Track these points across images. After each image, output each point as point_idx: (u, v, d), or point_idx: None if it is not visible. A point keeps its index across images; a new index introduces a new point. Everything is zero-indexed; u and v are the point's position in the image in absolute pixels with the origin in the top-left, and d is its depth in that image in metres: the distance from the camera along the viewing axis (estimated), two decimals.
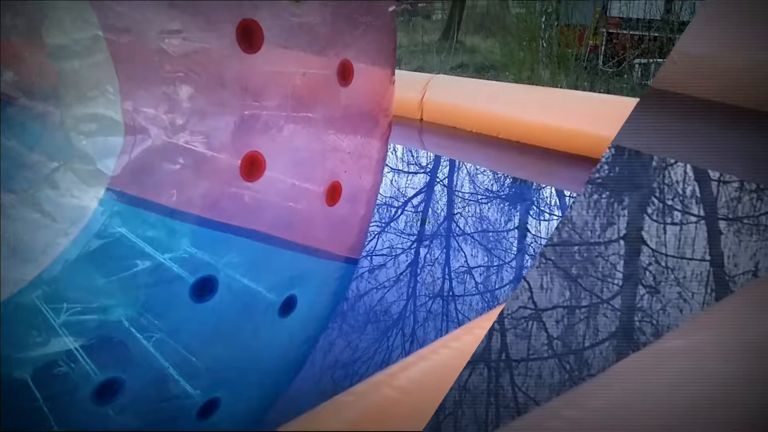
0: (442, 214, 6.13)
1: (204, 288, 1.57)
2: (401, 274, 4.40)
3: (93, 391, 1.49)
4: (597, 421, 1.15)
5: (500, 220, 5.91)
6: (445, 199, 6.65)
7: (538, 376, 2.13)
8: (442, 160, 7.57)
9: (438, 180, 7.22)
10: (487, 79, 8.17)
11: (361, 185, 1.90)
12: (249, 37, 1.46)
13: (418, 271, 4.53)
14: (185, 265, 1.52)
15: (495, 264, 4.74)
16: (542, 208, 6.12)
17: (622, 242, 2.89)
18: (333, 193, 1.80)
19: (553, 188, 6.28)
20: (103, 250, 1.39)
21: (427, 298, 4.06)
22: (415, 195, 6.36)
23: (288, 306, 1.81)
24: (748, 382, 1.27)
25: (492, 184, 6.99)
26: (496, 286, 4.32)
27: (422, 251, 5.03)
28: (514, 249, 5.10)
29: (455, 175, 7.33)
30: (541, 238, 5.13)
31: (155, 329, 1.56)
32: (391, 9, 1.80)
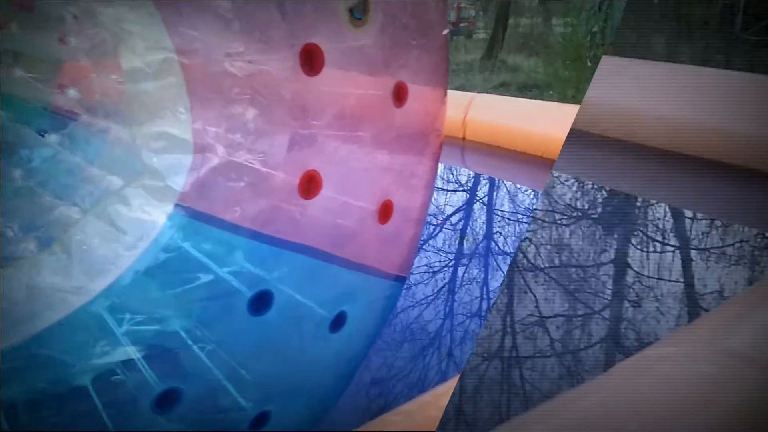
0: (481, 232, 6.08)
1: (261, 302, 1.61)
2: (438, 291, 4.38)
3: (153, 400, 1.54)
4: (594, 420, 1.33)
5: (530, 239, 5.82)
6: (484, 218, 6.60)
7: (541, 370, 2.60)
8: (481, 178, 7.54)
9: (477, 198, 7.19)
10: (530, 98, 8.12)
11: (412, 204, 1.92)
12: (311, 61, 1.51)
13: (456, 289, 4.50)
14: (243, 280, 1.57)
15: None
16: (550, 228, 6.02)
17: (610, 265, 3.50)
18: (385, 212, 1.82)
19: (565, 205, 6.18)
20: (168, 264, 1.45)
21: (465, 317, 4.03)
22: (454, 213, 6.35)
23: (338, 322, 1.83)
24: (734, 386, 1.46)
25: (533, 204, 6.91)
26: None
27: (460, 270, 5.00)
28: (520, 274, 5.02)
29: (495, 193, 7.29)
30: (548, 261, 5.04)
31: (211, 341, 1.61)
32: (444, 32, 1.83)
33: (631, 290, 3.41)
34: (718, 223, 4.25)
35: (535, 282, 3.74)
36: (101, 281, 1.43)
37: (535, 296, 3.47)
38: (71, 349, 1.53)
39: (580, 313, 3.18)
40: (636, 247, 4.04)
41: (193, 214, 1.43)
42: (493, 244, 5.67)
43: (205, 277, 1.51)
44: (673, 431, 1.33)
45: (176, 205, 1.41)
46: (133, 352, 1.53)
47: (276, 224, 1.59)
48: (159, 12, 1.31)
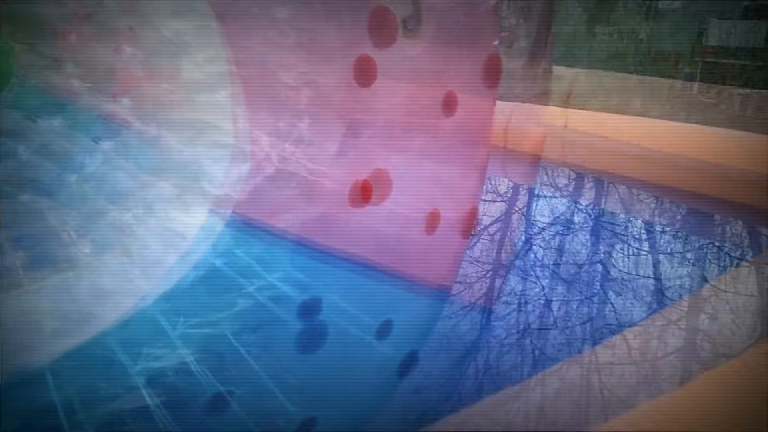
0: (519, 243, 6.00)
1: (310, 308, 1.63)
2: (475, 302, 4.33)
3: (205, 402, 1.57)
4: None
5: (582, 253, 5.72)
6: (522, 228, 6.51)
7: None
8: (520, 188, 7.45)
9: (516, 209, 7.10)
10: (573, 107, 7.99)
11: (459, 214, 1.92)
12: (364, 72, 1.53)
13: (493, 300, 4.45)
14: (293, 286, 1.59)
15: (576, 298, 4.57)
16: (629, 242, 5.88)
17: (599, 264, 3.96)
18: (432, 222, 1.83)
19: (642, 221, 6.04)
20: (223, 269, 1.48)
21: (502, 330, 3.97)
22: (492, 223, 6.28)
23: (384, 330, 1.84)
24: None
25: (574, 215, 6.79)
26: (577, 322, 4.18)
27: (498, 281, 4.94)
28: (597, 283, 4.91)
29: (534, 204, 7.19)
30: (626, 273, 4.93)
31: (258, 345, 1.64)
32: (496, 42, 1.83)
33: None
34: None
35: None
36: (159, 285, 1.47)
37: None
38: (127, 351, 1.58)
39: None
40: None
41: (248, 221, 1.46)
42: (532, 255, 5.58)
43: (256, 283, 1.55)
44: None
45: (232, 212, 1.45)
46: (185, 354, 1.57)
47: (325, 232, 1.61)
48: (219, 25, 1.35)
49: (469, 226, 2.01)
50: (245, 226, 1.45)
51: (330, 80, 1.48)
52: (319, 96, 1.48)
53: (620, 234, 6.01)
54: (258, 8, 1.35)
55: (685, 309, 3.73)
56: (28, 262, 2.42)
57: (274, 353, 1.64)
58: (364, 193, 1.64)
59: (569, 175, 7.15)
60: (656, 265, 4.98)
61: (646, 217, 5.89)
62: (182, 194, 1.54)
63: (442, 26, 1.62)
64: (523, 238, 6.03)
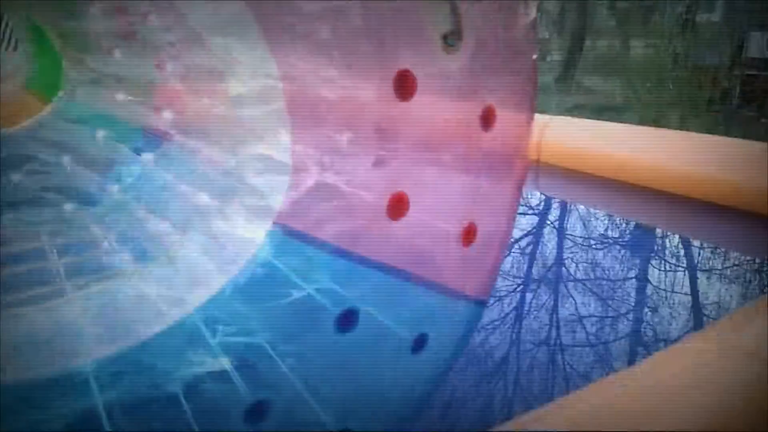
0: (551, 257, 5.92)
1: (347, 319, 1.64)
2: (505, 317, 4.28)
3: (243, 411, 1.59)
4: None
5: (616, 268, 5.60)
6: (554, 242, 6.42)
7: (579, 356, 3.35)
8: (553, 201, 7.37)
9: (548, 222, 7.01)
10: (607, 120, 7.89)
11: (495, 228, 1.92)
12: (403, 86, 1.55)
13: (524, 315, 4.39)
14: (331, 297, 1.61)
15: (609, 315, 4.48)
16: (665, 258, 5.74)
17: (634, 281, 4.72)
18: (468, 235, 1.83)
19: (679, 237, 5.90)
20: (263, 279, 1.51)
21: (533, 345, 3.91)
22: (524, 236, 6.21)
23: (419, 343, 1.84)
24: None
25: (608, 229, 6.67)
26: (611, 339, 4.09)
27: (528, 295, 4.87)
28: (632, 300, 4.81)
29: (567, 218, 7.09)
30: (662, 290, 4.81)
31: (293, 355, 1.65)
32: (534, 57, 1.84)
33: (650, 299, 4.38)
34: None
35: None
36: (201, 294, 1.51)
37: (575, 300, 4.30)
38: (167, 357, 1.61)
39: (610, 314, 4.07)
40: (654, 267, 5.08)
41: (289, 232, 1.49)
42: (564, 270, 5.50)
43: (295, 294, 1.57)
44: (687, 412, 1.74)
45: (274, 223, 1.48)
46: (224, 362, 1.59)
47: (363, 244, 1.63)
48: (266, 41, 1.39)
49: (505, 240, 2.00)
50: (286, 237, 1.48)
51: (370, 95, 1.50)
52: (359, 110, 1.51)
53: (655, 250, 5.88)
54: (303, 25, 1.38)
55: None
56: (72, 270, 2.50)
57: (311, 363, 1.65)
58: (401, 206, 1.65)
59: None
60: (693, 281, 4.88)
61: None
62: (224, 206, 1.57)
63: (482, 41, 1.63)
64: (555, 252, 5.95)
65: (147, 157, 3.37)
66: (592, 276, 5.28)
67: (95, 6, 3.17)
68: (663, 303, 4.52)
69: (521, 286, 5.05)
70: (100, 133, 3.35)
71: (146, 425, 1.61)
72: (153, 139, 3.46)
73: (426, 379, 1.98)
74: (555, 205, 7.23)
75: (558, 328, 4.18)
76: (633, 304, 4.67)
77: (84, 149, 3.33)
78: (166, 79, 3.31)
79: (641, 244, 6.25)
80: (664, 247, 6.06)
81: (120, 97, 3.48)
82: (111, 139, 3.40)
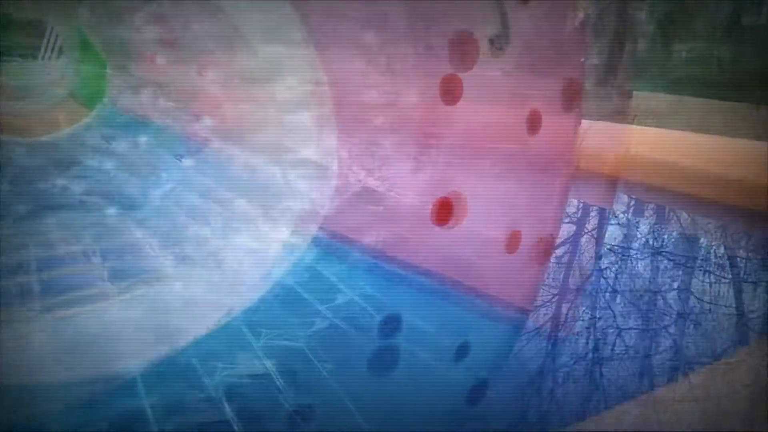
0: (589, 267, 5.77)
1: (390, 326, 1.62)
2: (540, 328, 4.18)
3: (287, 414, 1.58)
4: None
5: (657, 279, 5.44)
6: (592, 252, 6.27)
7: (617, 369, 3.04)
8: (591, 209, 7.21)
9: (585, 230, 6.86)
10: (649, 125, 7.68)
11: (540, 235, 1.87)
12: (450, 91, 1.53)
13: (560, 327, 4.28)
14: (374, 303, 1.59)
15: (650, 327, 4.34)
16: (710, 269, 5.55)
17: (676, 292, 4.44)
18: (513, 242, 1.78)
19: (723, 247, 5.71)
20: (308, 283, 1.50)
21: (568, 358, 3.80)
22: (560, 245, 6.07)
23: (462, 351, 1.80)
24: None
25: (649, 239, 6.49)
26: (651, 352, 3.95)
27: (564, 306, 4.75)
28: (674, 312, 4.65)
29: (605, 226, 6.93)
30: (706, 302, 4.65)
31: (339, 361, 1.64)
32: (582, 59, 1.79)
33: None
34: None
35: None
36: (246, 298, 1.51)
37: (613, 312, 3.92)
38: (211, 360, 1.61)
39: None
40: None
41: (334, 237, 1.48)
42: (602, 280, 5.36)
43: (339, 298, 1.56)
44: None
45: (319, 228, 1.47)
46: (268, 366, 1.59)
47: (408, 249, 1.60)
48: (314, 47, 1.39)
49: (550, 248, 1.95)
50: (331, 242, 1.47)
51: (416, 99, 1.48)
52: (404, 114, 1.49)
53: (700, 260, 5.70)
54: (350, 30, 1.38)
55: None
56: (115, 274, 2.55)
57: (353, 369, 1.64)
58: (445, 212, 1.63)
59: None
60: (738, 293, 4.71)
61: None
62: (268, 210, 1.57)
63: (529, 45, 1.60)
64: (592, 261, 5.81)
65: (187, 162, 3.43)
66: (631, 287, 5.13)
67: (138, 14, 3.25)
68: (706, 316, 4.37)
69: (557, 297, 4.93)
70: (142, 139, 3.43)
71: (190, 426, 1.61)
72: (193, 144, 3.51)
73: (468, 388, 1.94)
74: (593, 213, 7.08)
75: (596, 340, 4.07)
76: (675, 316, 4.52)
77: (126, 155, 3.41)
78: (207, 86, 3.37)
79: (684, 254, 6.07)
80: (708, 258, 5.87)
81: (161, 103, 3.55)
82: (152, 145, 3.47)
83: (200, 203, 2.99)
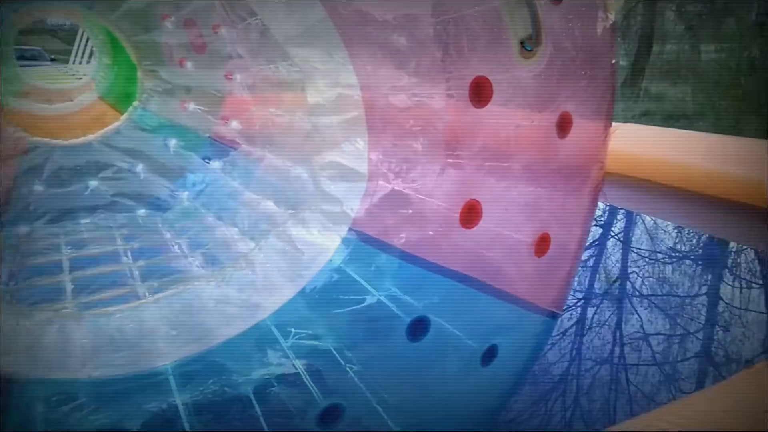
0: (615, 271, 5.69)
1: (418, 328, 1.63)
2: (565, 332, 4.14)
3: (317, 414, 1.60)
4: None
5: (685, 284, 5.33)
6: (618, 255, 6.18)
7: (644, 376, 3.19)
8: (617, 212, 7.11)
9: (612, 234, 6.76)
10: (677, 128, 7.55)
11: (570, 238, 1.86)
12: (479, 93, 1.53)
13: (585, 331, 4.23)
14: (403, 305, 1.60)
15: (677, 333, 4.26)
16: (740, 274, 5.43)
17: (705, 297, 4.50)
18: (542, 245, 1.78)
19: (754, 252, 5.58)
20: (338, 284, 1.52)
21: (594, 363, 3.75)
22: (586, 248, 5.99)
23: (489, 355, 1.80)
24: None
25: (677, 243, 6.37)
26: (678, 358, 3.88)
27: (590, 310, 4.69)
28: (702, 318, 4.55)
29: (632, 229, 6.82)
30: (736, 307, 4.55)
31: (367, 362, 1.65)
32: (613, 61, 1.78)
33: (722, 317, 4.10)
34: None
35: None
36: (277, 298, 1.53)
37: (640, 317, 4.03)
38: (242, 360, 1.64)
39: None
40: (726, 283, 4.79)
41: (364, 238, 1.49)
42: (629, 284, 5.28)
43: (368, 300, 1.57)
44: None
45: (349, 230, 1.48)
46: (297, 366, 1.61)
47: (437, 252, 1.61)
48: (347, 51, 1.40)
49: (579, 251, 1.94)
50: (361, 243, 1.48)
51: (446, 102, 1.49)
52: (434, 117, 1.50)
53: (729, 265, 5.58)
54: (381, 34, 1.39)
55: None
56: (145, 273, 2.60)
57: (381, 371, 1.65)
58: (474, 214, 1.63)
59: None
60: None
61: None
62: (298, 212, 1.59)
63: (560, 46, 1.59)
64: (619, 265, 5.74)
65: (215, 165, 3.50)
66: (659, 292, 5.04)
67: (169, 19, 3.32)
68: (736, 321, 4.26)
69: (582, 301, 4.88)
70: (172, 142, 3.50)
71: (221, 425, 1.64)
72: (221, 147, 3.58)
73: (495, 393, 1.93)
74: (620, 217, 6.98)
75: (622, 345, 4.01)
76: (703, 322, 4.43)
77: (156, 157, 3.49)
78: (235, 90, 3.42)
79: (713, 258, 5.95)
80: (738, 263, 5.74)
81: (190, 106, 3.62)
82: (182, 148, 3.54)
83: (231, 205, 3.04)
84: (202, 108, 3.58)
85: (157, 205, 3.40)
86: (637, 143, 6.67)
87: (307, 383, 1.59)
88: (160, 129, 3.51)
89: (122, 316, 1.53)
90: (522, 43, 1.54)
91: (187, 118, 3.58)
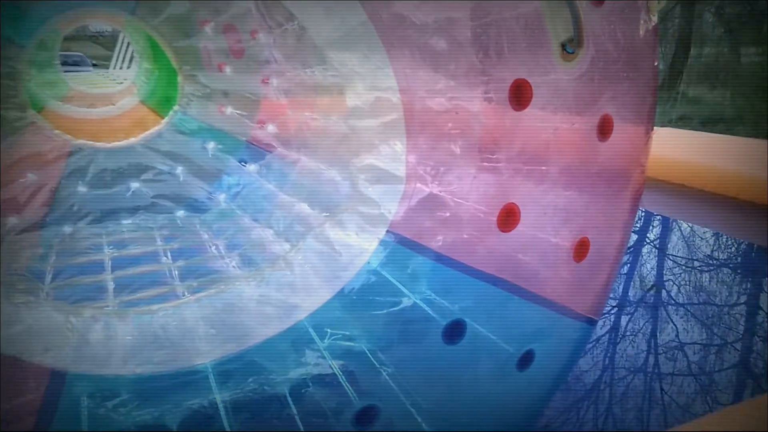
0: (650, 278, 5.56)
1: (454, 331, 1.62)
2: (598, 340, 4.06)
3: (352, 415, 1.61)
4: None
5: (723, 293, 5.18)
6: (653, 262, 6.04)
7: (679, 386, 3.16)
8: (653, 218, 6.96)
9: (647, 240, 6.62)
10: (716, 132, 7.36)
11: (609, 243, 1.83)
12: (519, 96, 1.52)
13: (618, 339, 4.14)
14: (439, 307, 1.60)
15: (714, 343, 4.14)
16: None
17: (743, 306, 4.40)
18: (581, 250, 1.75)
19: None
20: (374, 286, 1.52)
21: (628, 372, 3.66)
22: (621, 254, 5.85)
23: (526, 360, 1.78)
24: None
25: (714, 250, 6.20)
26: (715, 369, 3.76)
27: (624, 318, 4.59)
28: (740, 328, 4.41)
29: (668, 236, 6.67)
30: None
31: (403, 364, 1.65)
32: (656, 64, 1.75)
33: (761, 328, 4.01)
34: None
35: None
36: (315, 299, 1.54)
37: (676, 326, 3.96)
38: (277, 359, 1.65)
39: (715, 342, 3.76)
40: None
41: (401, 241, 1.50)
42: (664, 292, 5.15)
43: (404, 302, 1.57)
44: None
45: (387, 232, 1.49)
46: (333, 366, 1.62)
47: (473, 255, 1.60)
48: (387, 54, 1.41)
49: (619, 256, 1.91)
50: (398, 246, 1.48)
51: (485, 105, 1.48)
52: (473, 120, 1.49)
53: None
54: (421, 37, 1.40)
55: None
56: (185, 273, 2.66)
57: (416, 373, 1.65)
58: (512, 218, 1.62)
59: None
60: None
61: None
62: (335, 214, 1.60)
63: (602, 48, 1.57)
64: (654, 272, 5.61)
65: (251, 167, 3.55)
66: (695, 300, 4.92)
67: (208, 24, 3.39)
68: None
69: (616, 308, 4.79)
70: (210, 145, 3.57)
71: (259, 424, 1.66)
72: (257, 150, 3.63)
73: (531, 398, 1.91)
74: (655, 223, 6.84)
75: (656, 354, 3.91)
76: (741, 332, 4.30)
77: (195, 160, 3.56)
78: (272, 94, 3.47)
79: (753, 267, 5.77)
80: None
81: (228, 110, 3.69)
82: (219, 151, 3.61)
83: (266, 207, 3.09)
84: (239, 112, 3.64)
85: (196, 207, 3.47)
86: (674, 148, 6.52)
87: (343, 384, 1.60)
88: (199, 132, 3.59)
89: (165, 314, 1.56)
90: (563, 45, 1.53)
91: (224, 122, 3.64)
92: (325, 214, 2.29)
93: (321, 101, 2.64)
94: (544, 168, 1.62)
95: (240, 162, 3.56)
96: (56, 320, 1.39)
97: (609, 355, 3.92)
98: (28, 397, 1.34)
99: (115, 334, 1.45)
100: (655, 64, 1.75)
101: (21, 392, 1.33)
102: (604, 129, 1.68)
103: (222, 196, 3.46)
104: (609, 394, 3.42)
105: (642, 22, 1.69)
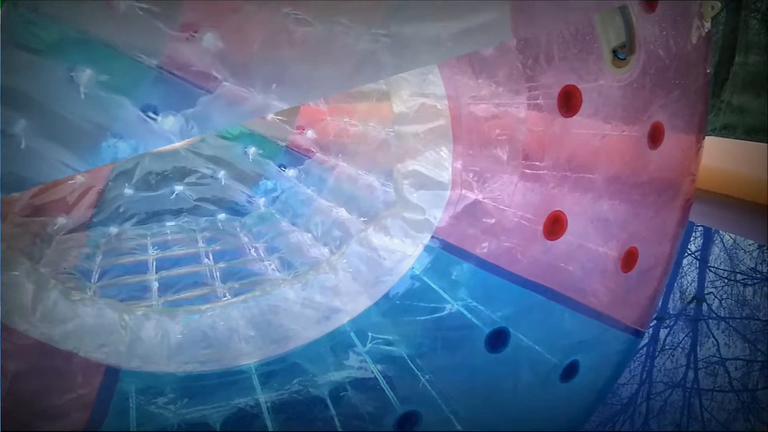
0: (690, 291, 5.41)
1: (497, 340, 1.61)
2: (636, 353, 3.95)
3: (394, 420, 1.61)
4: None
5: (767, 307, 5.00)
6: (694, 274, 5.87)
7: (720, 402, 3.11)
8: (694, 229, 6.77)
9: (688, 252, 6.45)
10: (761, 142, 7.14)
11: (658, 254, 1.79)
12: (568, 102, 1.51)
13: (656, 353, 4.03)
14: (483, 315, 1.59)
15: (758, 359, 3.99)
16: None
17: None
18: (629, 260, 1.72)
19: None
20: (418, 291, 1.52)
21: (666, 387, 3.56)
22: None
23: (570, 371, 1.75)
24: None
25: (758, 263, 6.00)
26: (759, 386, 3.63)
27: (663, 331, 4.47)
28: None
29: (710, 248, 6.48)
30: None
31: (445, 371, 1.64)
32: (708, 71, 1.71)
33: None
34: None
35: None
36: (359, 303, 1.55)
37: (717, 341, 3.84)
38: (319, 363, 1.67)
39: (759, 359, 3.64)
40: None
41: (446, 247, 1.50)
42: (705, 305, 5.01)
43: (447, 308, 1.56)
44: None
45: (432, 238, 1.49)
46: (375, 371, 1.62)
47: (520, 263, 1.59)
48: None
49: (667, 267, 1.87)
50: (443, 252, 1.48)
51: (533, 111, 1.47)
52: (520, 126, 1.49)
53: None
54: None
55: None
56: (226, 275, 2.70)
57: (459, 381, 1.64)
58: (558, 226, 1.60)
59: None
60: None
61: None
62: (378, 220, 1.61)
63: (654, 55, 1.55)
64: (695, 285, 5.45)
65: (291, 172, 3.60)
66: (738, 314, 4.77)
67: None
68: None
69: (655, 321, 4.67)
70: (251, 150, 3.64)
71: (301, 425, 1.67)
72: (296, 155, 3.68)
73: (574, 410, 1.88)
74: (697, 234, 6.66)
75: (696, 369, 3.80)
76: None
77: (236, 164, 3.63)
78: (306, 101, 3.51)
79: None
80: None
81: (269, 116, 3.75)
82: (260, 155, 3.67)
83: (304, 211, 3.12)
84: (280, 117, 3.70)
85: (236, 210, 3.54)
86: (718, 157, 6.35)
87: (385, 389, 1.60)
88: (241, 137, 3.65)
89: (213, 314, 1.59)
90: (614, 51, 1.51)
91: (265, 128, 3.70)
92: (362, 219, 2.30)
93: (358, 107, 2.66)
94: (592, 176, 1.60)
95: (279, 167, 3.62)
96: (111, 317, 1.42)
97: (647, 368, 3.83)
98: (81, 392, 1.38)
99: (166, 332, 1.48)
100: (708, 71, 1.71)
101: (74, 387, 1.37)
102: (655, 137, 1.65)
103: (261, 200, 3.51)
104: (646, 408, 3.35)
105: (695, 28, 1.66)
